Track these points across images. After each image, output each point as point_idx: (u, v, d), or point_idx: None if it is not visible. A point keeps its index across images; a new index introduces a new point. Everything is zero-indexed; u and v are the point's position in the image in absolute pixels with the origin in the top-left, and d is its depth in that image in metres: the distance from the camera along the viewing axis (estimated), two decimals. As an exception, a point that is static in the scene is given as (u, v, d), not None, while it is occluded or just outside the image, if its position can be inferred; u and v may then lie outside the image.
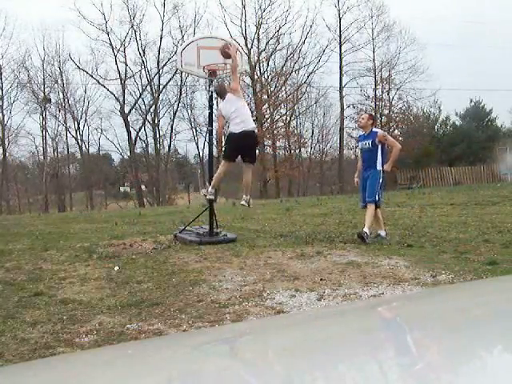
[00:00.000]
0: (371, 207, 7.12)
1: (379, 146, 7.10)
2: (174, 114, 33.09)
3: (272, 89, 31.25)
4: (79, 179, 36.80)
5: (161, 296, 4.79)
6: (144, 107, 32.90)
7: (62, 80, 32.48)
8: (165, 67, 31.87)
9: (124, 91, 32.24)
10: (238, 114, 6.97)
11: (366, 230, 7.02)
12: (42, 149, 33.12)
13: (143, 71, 32.21)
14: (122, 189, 45.56)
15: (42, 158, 33.88)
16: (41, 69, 31.99)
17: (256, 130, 7.30)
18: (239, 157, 7.21)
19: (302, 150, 33.90)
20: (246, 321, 3.84)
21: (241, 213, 11.84)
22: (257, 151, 7.30)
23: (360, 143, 7.44)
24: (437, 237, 7.35)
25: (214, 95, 7.65)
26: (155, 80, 32.30)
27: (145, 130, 33.36)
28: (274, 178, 31.08)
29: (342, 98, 31.31)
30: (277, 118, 31.69)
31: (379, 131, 7.37)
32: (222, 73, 8.03)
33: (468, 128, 31.16)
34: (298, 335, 1.16)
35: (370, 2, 31.90)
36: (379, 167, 7.11)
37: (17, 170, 35.16)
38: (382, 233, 7.27)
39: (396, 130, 31.93)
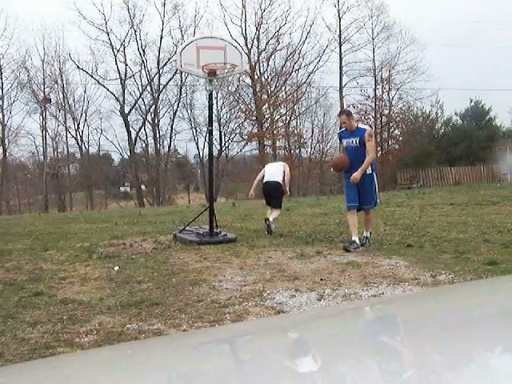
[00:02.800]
0: (371, 213, 6.94)
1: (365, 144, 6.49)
2: (174, 113, 33.11)
3: (272, 89, 31.25)
4: (79, 179, 36.78)
5: (161, 296, 4.79)
6: (144, 107, 32.93)
7: (62, 80, 32.52)
8: (165, 67, 31.90)
9: (124, 91, 32.26)
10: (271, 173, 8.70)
11: (366, 234, 6.95)
12: (42, 149, 33.14)
13: (143, 71, 32.23)
14: (122, 189, 45.57)
15: (41, 157, 33.90)
16: (41, 69, 32.02)
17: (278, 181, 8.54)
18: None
19: (302, 150, 33.90)
20: (246, 321, 3.84)
21: (241, 213, 11.84)
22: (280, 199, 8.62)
23: (345, 140, 6.63)
24: (437, 237, 7.35)
25: None
26: (155, 80, 32.31)
27: (145, 129, 33.38)
28: (274, 178, 31.00)
29: (341, 97, 31.33)
30: (277, 117, 31.68)
31: (367, 128, 6.77)
32: (222, 72, 8.02)
33: (468, 128, 31.16)
34: (298, 335, 1.16)
35: (370, 2, 31.98)
36: (369, 170, 6.57)
37: (17, 170, 35.15)
38: (357, 239, 6.68)
39: (396, 130, 31.96)
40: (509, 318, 1.07)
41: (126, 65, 32.03)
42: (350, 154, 6.61)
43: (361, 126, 6.88)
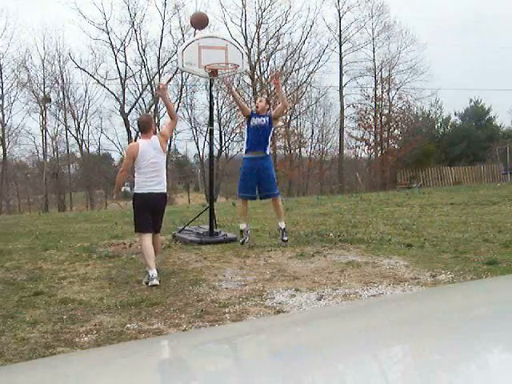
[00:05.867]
0: (280, 200, 7.11)
1: (272, 126, 7.07)
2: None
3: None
4: (79, 179, 36.77)
5: (160, 296, 4.79)
6: (144, 107, 32.89)
7: (63, 79, 32.49)
8: (165, 67, 31.87)
9: (124, 91, 32.23)
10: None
11: (283, 225, 7.06)
12: (41, 148, 33.11)
13: (143, 71, 32.19)
14: (122, 188, 45.53)
15: (42, 157, 33.87)
16: (41, 68, 32.00)
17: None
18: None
19: (302, 149, 33.90)
20: (246, 321, 3.84)
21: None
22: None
23: (255, 119, 6.95)
24: (437, 237, 7.35)
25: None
26: (155, 79, 32.28)
27: (145, 129, 33.22)
28: (274, 178, 31.00)
29: (342, 97, 31.29)
30: (277, 117, 31.64)
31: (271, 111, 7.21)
32: (223, 72, 8.01)
33: (468, 128, 31.17)
34: (298, 335, 1.16)
35: (371, 2, 31.96)
36: (268, 151, 7.00)
37: (17, 170, 35.14)
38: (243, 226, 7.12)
39: (396, 130, 31.95)
40: (509, 318, 1.07)
41: (127, 64, 32.00)
42: (256, 133, 6.96)
43: (267, 113, 7.21)
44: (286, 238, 7.06)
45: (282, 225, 7.08)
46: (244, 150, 7.22)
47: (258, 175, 6.91)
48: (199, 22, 7.07)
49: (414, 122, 31.65)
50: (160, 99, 31.55)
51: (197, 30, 7.53)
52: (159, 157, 5.63)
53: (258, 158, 6.89)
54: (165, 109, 32.64)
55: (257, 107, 7.13)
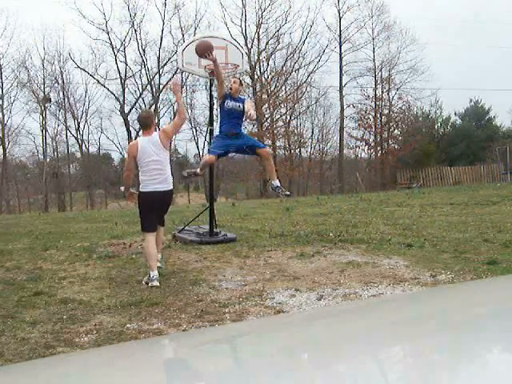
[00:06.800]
0: (269, 151, 7.16)
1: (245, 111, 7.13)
2: (175, 113, 32.87)
3: (272, 88, 31.21)
4: (79, 179, 36.78)
5: (160, 296, 4.79)
6: (144, 107, 32.86)
7: (63, 79, 32.48)
8: (165, 67, 31.87)
9: (124, 91, 32.24)
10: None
11: (277, 183, 6.99)
12: (41, 148, 33.10)
13: (143, 71, 32.19)
14: (122, 188, 45.47)
15: (41, 157, 33.86)
16: (41, 68, 32.00)
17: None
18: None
19: (302, 149, 33.90)
20: (246, 321, 3.84)
21: (241, 213, 11.85)
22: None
23: (231, 103, 6.93)
24: (437, 237, 7.35)
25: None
26: (155, 79, 32.30)
27: (145, 129, 33.20)
28: (274, 178, 30.95)
29: (341, 97, 31.28)
30: (277, 117, 31.67)
31: (246, 98, 7.29)
32: (223, 72, 7.99)
33: (468, 128, 31.19)
34: (298, 335, 1.16)
35: (371, 2, 32.00)
36: (241, 130, 7.22)
37: (17, 170, 35.15)
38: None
39: (396, 130, 31.96)
40: (509, 318, 1.07)
41: (126, 64, 32.01)
42: (235, 117, 6.98)
43: (241, 95, 7.26)
44: (288, 193, 7.13)
45: (277, 182, 7.00)
46: (218, 130, 7.21)
47: (236, 143, 6.94)
48: (202, 51, 7.06)
49: (414, 121, 31.66)
50: (159, 100, 31.63)
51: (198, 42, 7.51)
52: (160, 154, 5.50)
53: (232, 137, 6.94)
54: (165, 109, 32.74)
55: (230, 89, 7.02)
